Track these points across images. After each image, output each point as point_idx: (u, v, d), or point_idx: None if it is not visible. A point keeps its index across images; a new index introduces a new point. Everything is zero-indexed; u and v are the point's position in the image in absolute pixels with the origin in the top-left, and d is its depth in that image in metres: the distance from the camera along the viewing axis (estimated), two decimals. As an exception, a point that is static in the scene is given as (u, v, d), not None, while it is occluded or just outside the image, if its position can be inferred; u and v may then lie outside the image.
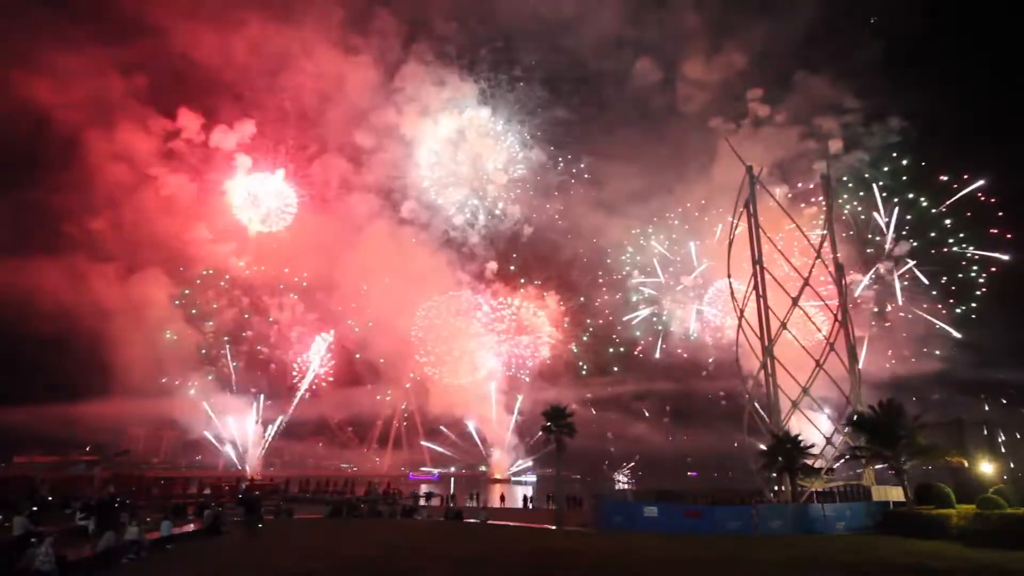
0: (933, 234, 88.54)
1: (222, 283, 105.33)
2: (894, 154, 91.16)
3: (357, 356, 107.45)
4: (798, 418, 45.67)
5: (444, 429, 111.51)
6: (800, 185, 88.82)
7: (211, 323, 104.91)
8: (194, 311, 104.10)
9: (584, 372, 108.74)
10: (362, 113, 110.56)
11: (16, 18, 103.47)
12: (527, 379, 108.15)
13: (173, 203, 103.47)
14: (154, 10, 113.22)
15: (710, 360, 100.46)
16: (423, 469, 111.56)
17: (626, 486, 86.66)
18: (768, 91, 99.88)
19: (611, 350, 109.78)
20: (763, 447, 42.88)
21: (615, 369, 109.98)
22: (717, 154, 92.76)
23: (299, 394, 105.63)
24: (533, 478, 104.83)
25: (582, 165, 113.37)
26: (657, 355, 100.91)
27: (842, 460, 43.23)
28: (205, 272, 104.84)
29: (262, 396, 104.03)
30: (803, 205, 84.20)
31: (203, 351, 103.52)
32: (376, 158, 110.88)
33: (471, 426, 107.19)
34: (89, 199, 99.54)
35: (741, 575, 22.66)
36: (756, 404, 46.01)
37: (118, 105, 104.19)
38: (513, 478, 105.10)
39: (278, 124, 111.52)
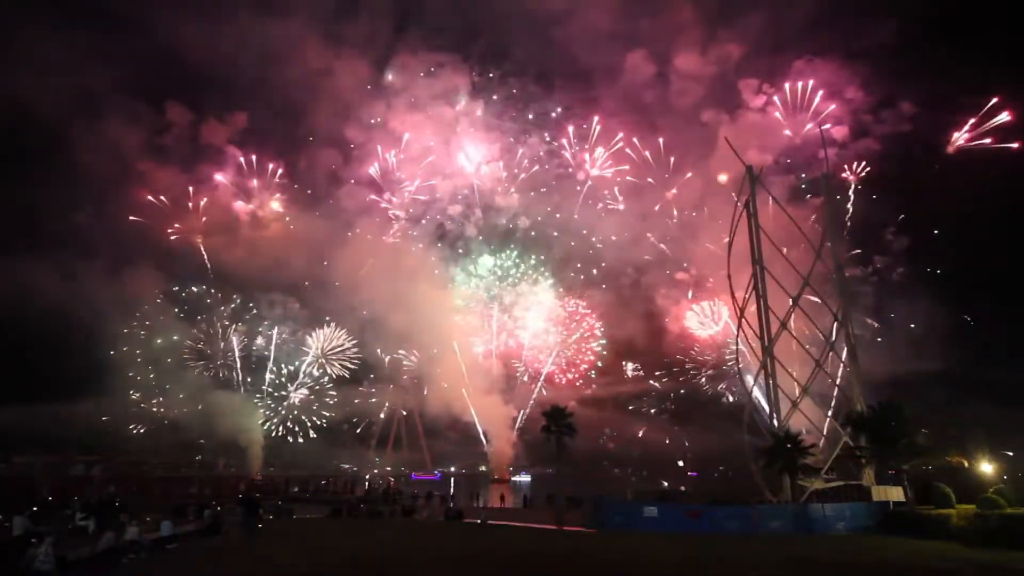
0: (936, 229, 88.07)
1: (213, 278, 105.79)
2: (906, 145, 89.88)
3: (353, 356, 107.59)
4: (797, 416, 45.70)
5: (443, 429, 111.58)
6: (805, 176, 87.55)
7: (204, 320, 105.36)
8: (187, 307, 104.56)
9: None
10: (352, 106, 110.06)
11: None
12: (526, 377, 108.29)
13: (163, 197, 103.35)
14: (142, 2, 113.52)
15: (711, 360, 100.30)
16: (424, 470, 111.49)
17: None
18: (768, 80, 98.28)
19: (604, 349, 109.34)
20: (763, 446, 42.94)
21: (613, 367, 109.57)
22: (715, 149, 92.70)
23: (297, 393, 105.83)
24: (528, 478, 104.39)
25: (576, 160, 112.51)
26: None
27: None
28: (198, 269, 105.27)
29: (260, 395, 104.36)
30: (807, 197, 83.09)
31: (198, 348, 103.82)
32: (367, 151, 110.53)
33: (470, 425, 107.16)
34: (77, 194, 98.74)
35: (741, 575, 22.65)
36: (756, 403, 46.08)
37: (104, 98, 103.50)
38: (513, 478, 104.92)
39: (267, 117, 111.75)
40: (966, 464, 36.75)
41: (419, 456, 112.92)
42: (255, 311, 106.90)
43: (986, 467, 36.18)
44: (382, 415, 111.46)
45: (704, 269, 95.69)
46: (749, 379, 49.52)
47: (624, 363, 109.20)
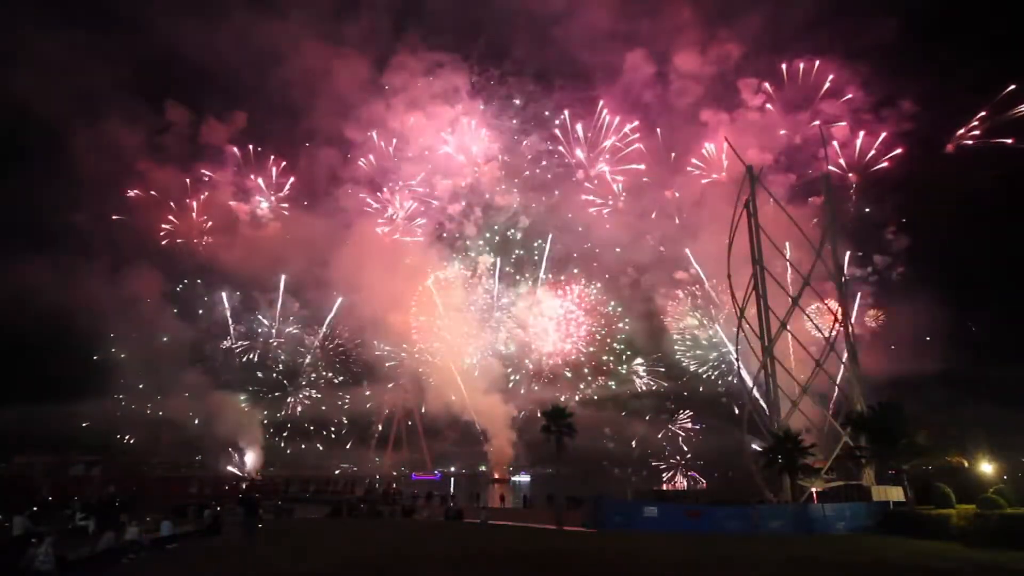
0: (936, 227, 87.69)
1: (212, 278, 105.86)
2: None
3: (353, 355, 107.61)
4: (797, 416, 45.72)
5: (443, 428, 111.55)
6: (810, 171, 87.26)
7: (204, 319, 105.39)
8: (186, 307, 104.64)
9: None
10: (352, 106, 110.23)
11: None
12: (525, 377, 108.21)
13: (162, 196, 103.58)
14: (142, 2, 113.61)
15: (710, 359, 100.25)
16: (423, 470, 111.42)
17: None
18: (767, 79, 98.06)
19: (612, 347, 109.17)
20: (762, 446, 42.92)
21: (613, 367, 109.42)
22: (715, 148, 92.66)
23: (297, 392, 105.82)
24: (528, 478, 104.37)
25: (575, 159, 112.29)
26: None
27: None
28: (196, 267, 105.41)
29: (260, 394, 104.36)
30: (808, 198, 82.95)
31: (198, 348, 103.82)
32: (366, 151, 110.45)
33: (470, 425, 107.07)
34: (77, 194, 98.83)
35: (741, 575, 22.65)
36: (756, 403, 46.08)
37: (104, 98, 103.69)
38: (513, 478, 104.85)
39: (267, 117, 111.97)
40: (966, 464, 36.74)
41: (419, 456, 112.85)
42: (255, 311, 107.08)
43: (986, 467, 36.17)
44: (379, 425, 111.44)
45: (704, 268, 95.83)
46: (749, 379, 49.54)
47: (624, 358, 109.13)
